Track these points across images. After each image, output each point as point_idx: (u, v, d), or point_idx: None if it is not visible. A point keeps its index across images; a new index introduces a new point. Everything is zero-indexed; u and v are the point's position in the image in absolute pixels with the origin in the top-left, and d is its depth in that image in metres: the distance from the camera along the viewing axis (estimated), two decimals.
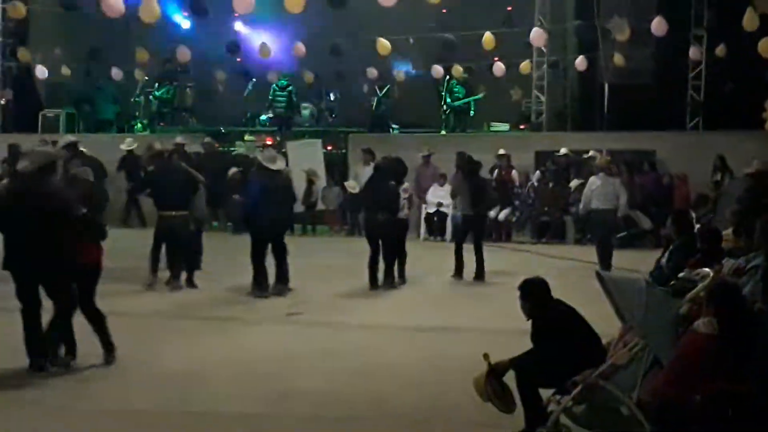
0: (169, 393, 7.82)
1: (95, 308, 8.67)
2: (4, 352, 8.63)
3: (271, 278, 12.66)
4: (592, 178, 15.03)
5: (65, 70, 24.50)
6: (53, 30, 23.58)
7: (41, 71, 24.45)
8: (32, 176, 8.29)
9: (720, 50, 21.00)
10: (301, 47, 22.78)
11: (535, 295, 6.60)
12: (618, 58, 21.46)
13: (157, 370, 8.54)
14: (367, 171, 18.95)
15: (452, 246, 14.75)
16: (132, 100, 25.50)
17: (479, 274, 14.02)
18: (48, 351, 8.38)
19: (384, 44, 21.89)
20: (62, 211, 8.28)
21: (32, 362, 8.26)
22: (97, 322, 8.66)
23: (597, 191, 14.55)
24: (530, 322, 6.57)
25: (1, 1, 24.75)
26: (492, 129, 24.26)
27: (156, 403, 7.53)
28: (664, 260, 9.21)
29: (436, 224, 19.27)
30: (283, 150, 19.47)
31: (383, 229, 13.24)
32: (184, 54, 23.48)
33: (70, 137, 15.40)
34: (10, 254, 8.27)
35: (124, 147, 20.32)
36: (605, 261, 14.43)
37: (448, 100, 23.27)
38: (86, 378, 8.22)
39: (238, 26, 25.67)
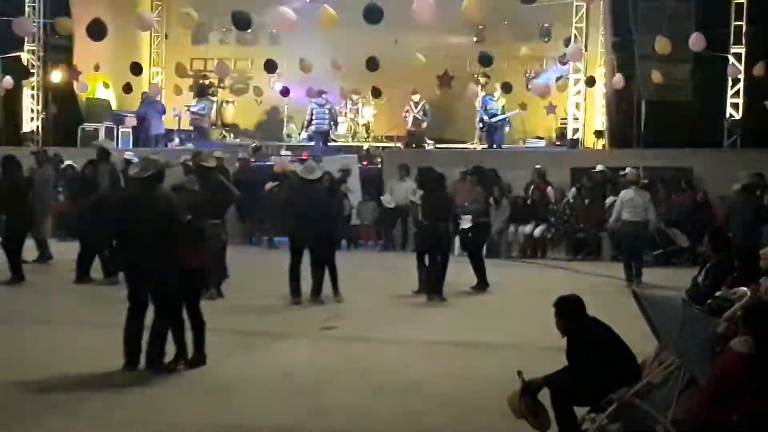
0: (202, 406, 7.86)
1: (199, 312, 9.07)
2: (42, 360, 8.72)
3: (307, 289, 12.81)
4: (623, 192, 15.30)
5: (104, 84, 24.87)
6: (95, 45, 23.82)
7: (82, 87, 24.78)
8: (143, 183, 8.74)
9: (759, 68, 20.84)
10: (339, 63, 22.91)
11: (570, 312, 6.57)
12: (656, 75, 21.35)
13: (185, 382, 8.59)
14: (403, 186, 19.06)
15: (487, 262, 14.78)
16: (172, 115, 25.74)
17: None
18: (153, 354, 8.73)
19: (419, 60, 21.94)
20: (170, 217, 8.69)
21: (127, 360, 8.61)
22: (198, 326, 9.05)
23: (627, 204, 14.89)
24: (565, 339, 6.54)
25: (44, 17, 25.16)
26: (528, 145, 24.25)
27: (188, 415, 7.56)
28: (700, 278, 9.16)
29: (470, 240, 19.18)
30: (321, 164, 19.53)
31: (444, 239, 13.77)
32: (222, 69, 23.73)
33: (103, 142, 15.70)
34: (121, 256, 8.92)
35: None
36: (630, 271, 14.74)
37: (484, 116, 23.26)
38: (122, 389, 8.27)
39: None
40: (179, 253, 8.69)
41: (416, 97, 23.95)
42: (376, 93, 24.51)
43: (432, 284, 13.51)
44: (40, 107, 26.00)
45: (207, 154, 13.74)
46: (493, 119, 23.01)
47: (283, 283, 12.91)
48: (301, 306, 12.68)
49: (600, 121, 24.30)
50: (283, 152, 23.57)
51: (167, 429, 7.18)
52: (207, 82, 26.36)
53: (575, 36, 23.66)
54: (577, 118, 24.12)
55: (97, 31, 18.20)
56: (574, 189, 19.61)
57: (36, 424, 7.22)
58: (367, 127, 25.40)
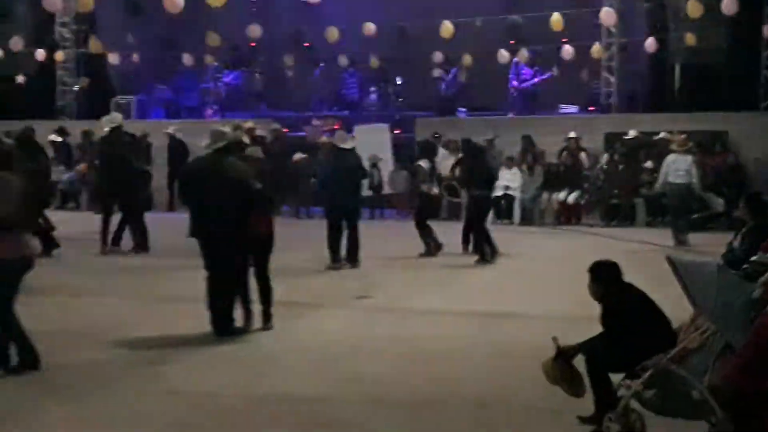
0: (235, 375, 7.93)
1: (267, 277, 9.49)
2: (74, 335, 8.84)
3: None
4: (669, 156, 15.86)
5: (136, 57, 24.96)
6: (124, 17, 23.90)
7: (113, 58, 24.90)
8: (215, 154, 9.14)
9: None
10: (370, 27, 22.83)
11: (606, 277, 6.53)
12: (689, 38, 21.09)
13: (225, 352, 8.67)
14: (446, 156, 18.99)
15: (520, 229, 14.84)
16: (203, 86, 25.80)
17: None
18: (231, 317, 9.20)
19: (448, 27, 21.81)
20: (242, 186, 9.06)
21: (215, 327, 9.06)
22: (266, 291, 9.48)
23: (671, 167, 15.58)
24: (600, 305, 6.52)
25: None
26: (560, 111, 24.08)
27: (225, 385, 7.63)
28: (736, 243, 9.06)
29: (503, 207, 19.17)
30: (352, 134, 19.53)
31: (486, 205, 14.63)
32: (255, 30, 23.69)
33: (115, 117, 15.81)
34: (197, 225, 9.20)
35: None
36: (681, 233, 15.31)
37: (515, 82, 23.11)
38: (157, 360, 8.37)
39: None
40: (250, 220, 9.08)
41: (447, 65, 23.86)
42: (408, 61, 24.36)
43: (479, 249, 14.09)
44: (72, 80, 26.16)
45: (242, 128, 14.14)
46: (524, 84, 22.89)
47: (314, 253, 13.02)
48: (338, 274, 12.80)
49: (633, 86, 24.03)
50: (315, 122, 23.57)
51: (205, 399, 7.25)
52: (238, 53, 26.36)
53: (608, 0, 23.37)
54: (610, 83, 23.88)
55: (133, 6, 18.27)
56: (607, 155, 19.48)
57: (75, 396, 7.32)
58: (398, 95, 25.31)
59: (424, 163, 15.47)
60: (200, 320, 9.21)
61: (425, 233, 14.71)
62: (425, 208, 15.11)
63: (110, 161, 15.08)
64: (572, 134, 19.43)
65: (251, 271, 9.52)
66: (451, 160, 18.94)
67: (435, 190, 15.55)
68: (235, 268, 9.24)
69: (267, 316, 9.49)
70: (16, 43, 24.05)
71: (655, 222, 18.11)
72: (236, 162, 9.33)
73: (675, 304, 6.70)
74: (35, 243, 7.93)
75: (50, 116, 24.80)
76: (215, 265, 9.17)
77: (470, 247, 14.59)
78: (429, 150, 17.45)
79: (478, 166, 14.68)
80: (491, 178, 14.93)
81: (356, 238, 13.48)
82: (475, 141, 16.48)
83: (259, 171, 9.77)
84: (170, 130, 21.33)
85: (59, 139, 22.02)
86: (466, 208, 15.24)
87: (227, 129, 10.08)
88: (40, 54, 24.49)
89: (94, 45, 24.84)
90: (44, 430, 6.60)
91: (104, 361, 8.30)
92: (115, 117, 15.84)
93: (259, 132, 18.91)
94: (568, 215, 18.97)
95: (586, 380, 6.37)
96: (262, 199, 9.47)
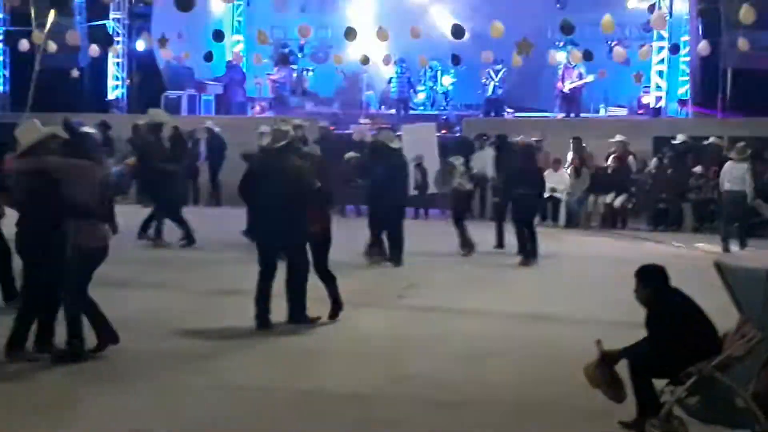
0: (279, 370, 8.01)
1: (328, 269, 9.73)
2: (122, 327, 8.95)
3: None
4: (727, 163, 15.95)
5: (187, 53, 25.21)
6: (174, 12, 24.09)
7: (165, 54, 25.14)
8: (276, 153, 9.38)
9: None
10: (417, 29, 22.87)
11: (652, 282, 6.49)
12: (742, 43, 20.85)
13: (271, 347, 8.76)
14: (482, 155, 19.01)
15: (566, 231, 14.80)
16: (253, 83, 25.97)
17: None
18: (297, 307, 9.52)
19: (497, 27, 21.77)
20: (303, 184, 9.35)
21: (259, 320, 9.25)
22: (330, 282, 9.77)
23: (727, 175, 15.66)
24: (645, 310, 6.48)
25: None
26: (609, 114, 23.95)
27: (265, 379, 7.71)
28: None
29: (549, 209, 19.09)
30: (398, 133, 19.57)
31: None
32: (305, 30, 23.85)
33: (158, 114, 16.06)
34: (256, 222, 9.59)
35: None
36: (729, 240, 15.27)
37: (561, 83, 23.04)
38: (205, 352, 8.47)
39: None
40: (310, 216, 9.37)
41: (496, 65, 23.83)
42: (456, 60, 24.38)
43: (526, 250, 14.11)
44: (124, 74, 26.49)
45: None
46: (571, 85, 22.83)
47: (358, 251, 13.12)
48: (381, 272, 12.86)
49: (683, 89, 23.84)
50: (362, 120, 23.65)
51: (252, 393, 7.32)
52: (287, 50, 26.54)
53: (659, 2, 23.19)
54: (660, 86, 23.70)
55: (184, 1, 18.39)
56: (656, 159, 19.32)
57: (122, 386, 7.43)
58: (446, 95, 25.31)
59: (456, 160, 15.51)
60: (247, 313, 9.30)
61: (462, 231, 14.76)
62: (459, 205, 15.17)
63: (139, 157, 15.43)
64: (619, 137, 19.26)
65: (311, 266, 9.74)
66: (486, 157, 18.81)
67: (468, 187, 15.56)
68: (298, 262, 9.51)
69: (336, 305, 9.78)
70: (74, 38, 24.35)
71: (702, 227, 17.93)
72: (296, 160, 9.55)
73: (721, 311, 6.67)
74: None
75: (102, 110, 25.10)
76: (270, 262, 9.35)
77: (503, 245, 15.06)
78: (465, 147, 17.48)
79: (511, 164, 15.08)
80: (526, 177, 14.55)
81: (400, 238, 13.52)
82: (509, 138, 16.46)
83: (318, 169, 10.04)
84: (208, 124, 21.47)
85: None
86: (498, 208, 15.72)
87: (288, 128, 10.24)
88: (94, 49, 24.79)
89: (146, 40, 25.12)
90: (88, 419, 6.71)
91: (153, 352, 8.40)
92: (153, 113, 16.01)
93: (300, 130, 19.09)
94: (614, 219, 18.83)
95: (628, 385, 6.35)
96: (322, 196, 9.76)
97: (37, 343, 7.91)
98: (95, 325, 8.05)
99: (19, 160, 7.86)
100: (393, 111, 24.59)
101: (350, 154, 17.37)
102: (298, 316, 9.52)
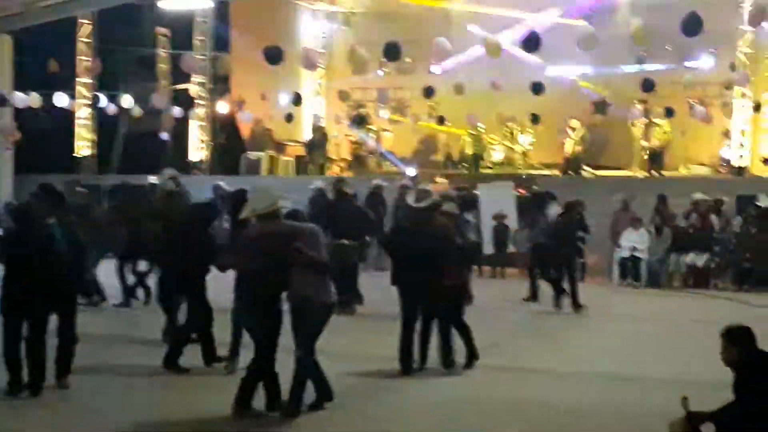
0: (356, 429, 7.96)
1: (462, 320, 10.27)
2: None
3: None
4: None
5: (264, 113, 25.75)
6: (256, 76, 24.55)
7: (245, 116, 25.67)
8: (425, 212, 10.01)
9: None
10: (497, 83, 23.03)
11: (740, 342, 6.34)
12: None
13: (345, 406, 8.69)
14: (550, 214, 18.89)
15: (647, 291, 14.56)
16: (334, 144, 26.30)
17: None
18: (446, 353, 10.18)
19: (584, 85, 21.81)
20: (447, 241, 9.98)
21: (403, 368, 9.86)
22: (465, 331, 10.29)
23: None
24: (733, 372, 6.32)
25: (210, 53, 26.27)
26: (691, 172, 23.66)
27: None
28: None
29: (630, 268, 18.82)
30: (476, 191, 19.55)
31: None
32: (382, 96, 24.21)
33: (170, 171, 16.15)
34: (400, 274, 10.00)
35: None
36: None
37: (645, 142, 22.89)
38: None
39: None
40: (450, 270, 9.91)
41: (574, 123, 23.79)
42: (536, 119, 24.41)
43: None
44: (207, 137, 27.08)
45: (347, 183, 15.34)
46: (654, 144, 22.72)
47: None
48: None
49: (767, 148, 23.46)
50: (439, 179, 23.70)
51: None
52: (365, 111, 26.85)
53: (741, 60, 23.00)
54: (743, 145, 23.37)
55: (273, 55, 18.66)
56: (739, 217, 18.94)
57: None
58: (524, 154, 25.28)
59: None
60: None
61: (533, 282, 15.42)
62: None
63: None
64: (699, 195, 18.93)
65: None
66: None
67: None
68: (437, 314, 10.08)
69: (471, 355, 10.28)
70: (159, 101, 25.03)
71: None
72: (440, 219, 10.15)
73: None
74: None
75: (184, 171, 25.66)
76: (412, 313, 9.92)
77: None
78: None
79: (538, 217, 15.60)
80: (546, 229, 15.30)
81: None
82: (541, 191, 16.51)
83: (456, 225, 10.56)
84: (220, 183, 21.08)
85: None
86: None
87: (430, 188, 11.02)
88: (177, 111, 25.44)
89: (230, 103, 25.72)
90: None
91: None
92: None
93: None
94: (696, 278, 18.48)
95: None
96: (460, 251, 10.33)
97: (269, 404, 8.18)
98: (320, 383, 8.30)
99: (260, 224, 8.20)
100: (466, 171, 24.62)
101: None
102: (445, 361, 10.15)
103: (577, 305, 14.64)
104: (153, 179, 17.28)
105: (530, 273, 15.93)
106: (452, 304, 10.23)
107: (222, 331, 9.78)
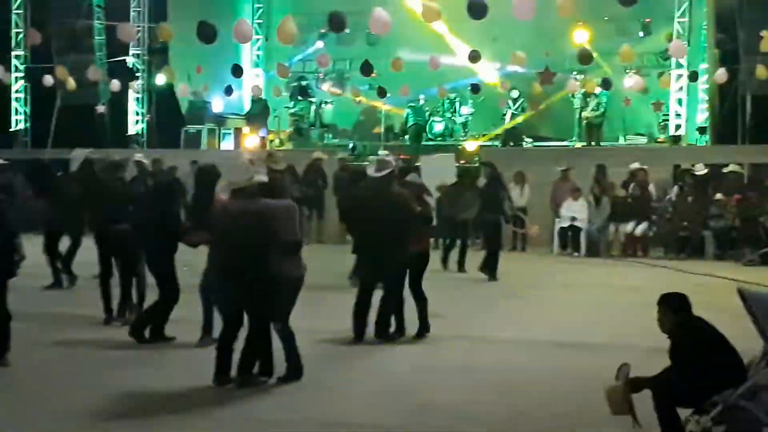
0: (304, 404, 7.95)
1: (422, 290, 10.47)
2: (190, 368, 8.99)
3: None
4: None
5: (205, 87, 25.44)
6: (194, 47, 24.30)
7: (183, 89, 25.33)
8: (381, 181, 10.14)
9: None
10: (435, 60, 22.99)
11: (675, 309, 6.46)
12: (761, 71, 20.83)
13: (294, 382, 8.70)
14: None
15: (587, 261, 14.71)
16: (272, 117, 26.10)
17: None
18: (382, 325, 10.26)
19: (519, 57, 21.85)
20: (406, 209, 10.13)
21: (356, 334, 10.09)
22: (421, 302, 10.46)
23: None
24: (668, 338, 6.43)
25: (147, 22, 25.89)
26: (629, 142, 23.94)
27: (290, 413, 7.68)
28: None
29: (570, 239, 19.03)
30: (417, 164, 19.58)
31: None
32: (324, 60, 24.02)
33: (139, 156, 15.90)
34: (362, 245, 10.43)
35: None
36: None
37: (583, 113, 23.09)
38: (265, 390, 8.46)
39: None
40: (411, 239, 10.12)
41: (514, 94, 23.92)
42: (476, 89, 24.48)
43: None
44: (144, 110, 26.72)
45: (278, 157, 14.46)
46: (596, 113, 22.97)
47: None
48: None
49: (703, 117, 23.82)
50: (381, 152, 23.72)
51: (270, 425, 7.31)
52: (305, 83, 26.69)
53: (677, 31, 23.28)
54: (679, 114, 23.70)
55: (206, 33, 18.41)
56: (676, 187, 19.23)
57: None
58: (464, 125, 25.35)
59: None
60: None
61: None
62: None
63: None
64: (636, 165, 19.17)
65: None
66: (517, 191, 18.95)
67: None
68: (395, 284, 10.26)
69: (425, 325, 10.44)
70: (94, 74, 24.63)
71: (724, 255, 17.81)
72: (398, 188, 10.38)
73: (745, 339, 6.60)
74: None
75: (122, 145, 25.33)
76: (376, 280, 10.22)
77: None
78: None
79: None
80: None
81: None
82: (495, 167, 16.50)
83: (420, 193, 10.84)
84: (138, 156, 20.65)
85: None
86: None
87: (390, 158, 11.08)
88: (115, 84, 25.06)
89: (166, 75, 25.35)
90: None
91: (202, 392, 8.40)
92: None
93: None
94: (635, 247, 18.75)
95: (652, 415, 6.28)
96: (424, 220, 10.56)
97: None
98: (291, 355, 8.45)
99: (235, 200, 8.27)
100: (408, 142, 24.64)
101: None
102: (382, 333, 10.23)
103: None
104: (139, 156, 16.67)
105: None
106: (412, 273, 10.42)
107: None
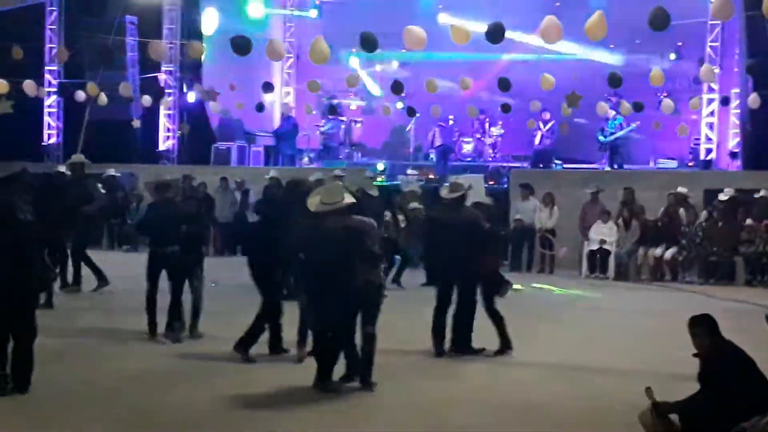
0: (331, 423, 7.95)
1: (495, 308, 10.63)
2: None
3: None
4: None
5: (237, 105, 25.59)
6: (226, 66, 24.41)
7: (214, 106, 25.49)
8: (454, 203, 10.65)
9: None
10: (467, 81, 22.99)
11: (712, 331, 6.41)
12: None
13: (317, 400, 8.68)
14: (527, 205, 19.10)
15: (615, 284, 14.60)
16: (302, 135, 26.19)
17: None
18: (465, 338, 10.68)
19: (548, 79, 21.80)
20: (477, 229, 10.51)
21: (436, 351, 10.54)
22: (498, 321, 10.65)
23: None
24: (699, 362, 6.36)
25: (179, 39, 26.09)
26: (658, 166, 23.81)
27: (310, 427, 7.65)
28: None
29: (599, 261, 18.92)
30: (445, 184, 19.54)
31: None
32: (354, 79, 24.13)
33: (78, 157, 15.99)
34: (437, 264, 11.08)
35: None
36: None
37: (601, 137, 23.08)
38: (257, 403, 8.45)
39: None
40: (481, 258, 10.42)
41: (546, 115, 23.86)
42: (506, 108, 24.42)
43: None
44: (175, 126, 26.91)
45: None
46: (609, 138, 22.86)
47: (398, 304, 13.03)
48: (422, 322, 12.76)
49: (735, 142, 23.65)
50: (409, 171, 23.76)
51: None
52: (336, 101, 26.78)
53: (709, 55, 23.16)
54: (710, 139, 23.55)
55: (241, 44, 18.48)
56: (706, 211, 19.06)
57: None
58: (493, 146, 25.33)
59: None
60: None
61: None
62: None
63: None
64: (681, 189, 19.00)
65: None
66: (546, 212, 18.93)
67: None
68: (469, 299, 10.55)
69: (506, 342, 10.67)
70: (126, 90, 24.83)
71: (754, 281, 17.63)
72: (470, 208, 10.76)
73: None
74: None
75: (153, 161, 25.53)
76: (446, 298, 10.58)
77: None
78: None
79: None
80: None
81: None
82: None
83: (489, 216, 11.10)
84: (110, 171, 20.35)
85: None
86: None
87: (462, 181, 11.25)
88: (147, 100, 25.27)
89: (198, 92, 25.52)
90: None
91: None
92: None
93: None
94: (664, 271, 18.60)
95: None
96: (495, 240, 11.03)
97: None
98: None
99: (333, 218, 8.82)
100: (441, 162, 24.62)
101: (413, 204, 17.18)
102: (462, 347, 10.59)
103: None
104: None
105: None
106: (485, 292, 10.62)
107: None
